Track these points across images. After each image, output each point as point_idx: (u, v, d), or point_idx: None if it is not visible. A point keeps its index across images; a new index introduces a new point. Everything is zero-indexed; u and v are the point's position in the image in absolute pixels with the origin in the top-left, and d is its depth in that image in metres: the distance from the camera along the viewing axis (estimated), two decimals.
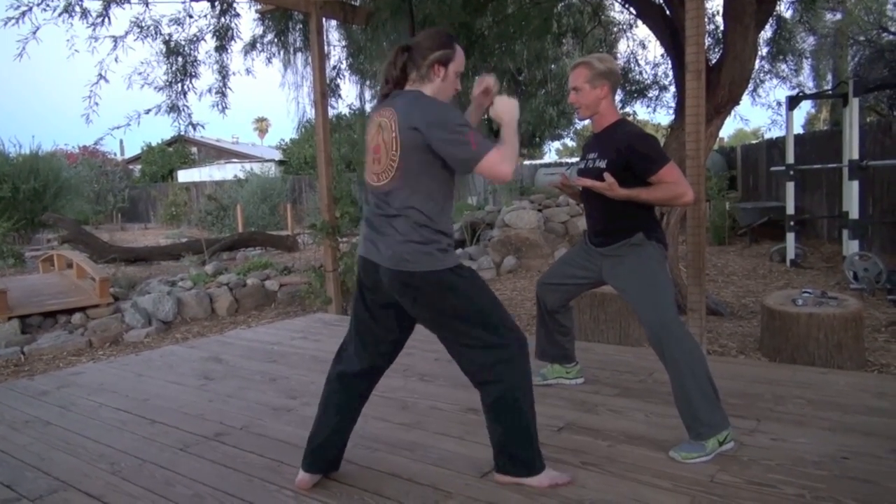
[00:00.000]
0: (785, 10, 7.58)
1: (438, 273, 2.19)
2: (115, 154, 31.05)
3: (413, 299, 2.24)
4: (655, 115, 12.77)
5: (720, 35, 6.73)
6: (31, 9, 5.14)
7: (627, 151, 2.72)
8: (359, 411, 2.51)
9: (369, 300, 2.37)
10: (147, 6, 5.89)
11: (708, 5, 7.24)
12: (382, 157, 2.21)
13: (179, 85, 6.31)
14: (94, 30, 5.49)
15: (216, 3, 6.37)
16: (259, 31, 7.26)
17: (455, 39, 2.32)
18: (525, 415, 2.28)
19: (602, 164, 2.77)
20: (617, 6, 8.61)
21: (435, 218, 2.21)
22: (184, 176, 27.12)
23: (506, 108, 2.24)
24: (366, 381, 2.51)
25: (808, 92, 10.40)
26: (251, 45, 7.25)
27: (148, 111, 6.14)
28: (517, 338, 2.27)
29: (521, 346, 2.27)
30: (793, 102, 8.41)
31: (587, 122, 2.99)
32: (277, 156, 28.23)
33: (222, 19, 6.47)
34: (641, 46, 9.67)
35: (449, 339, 2.30)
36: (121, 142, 36.36)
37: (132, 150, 33.52)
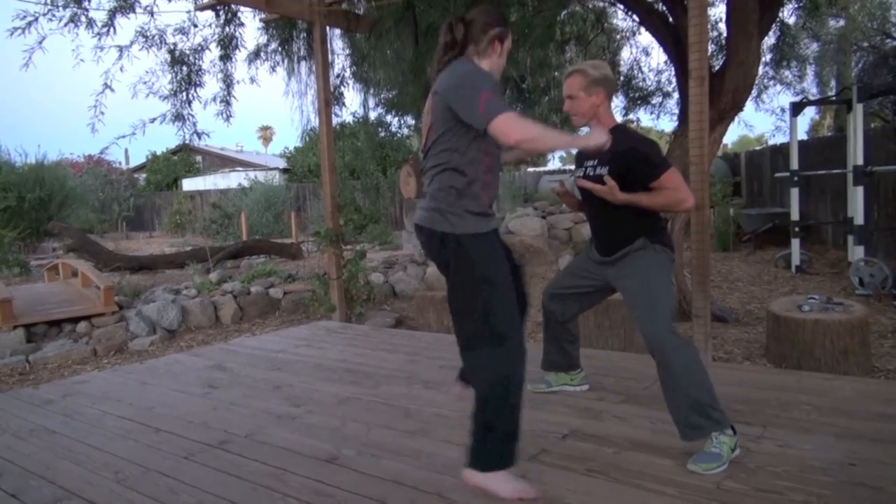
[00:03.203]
0: (788, 16, 7.58)
1: (457, 236, 2.24)
2: (120, 163, 31.17)
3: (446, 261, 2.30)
4: (659, 121, 12.81)
5: (723, 42, 6.72)
6: (37, 19, 5.18)
7: (629, 156, 2.70)
8: None
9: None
10: (152, 16, 5.93)
11: (711, 12, 7.25)
12: (425, 122, 2.33)
13: (184, 94, 6.34)
14: (99, 39, 5.53)
15: (220, 13, 6.40)
16: (263, 39, 7.30)
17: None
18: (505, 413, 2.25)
19: (603, 170, 2.76)
20: (620, 14, 8.61)
21: (460, 187, 2.25)
22: (188, 184, 27.18)
23: (592, 136, 2.28)
24: None
25: (811, 98, 10.37)
26: (255, 54, 7.28)
27: (153, 120, 6.16)
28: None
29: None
30: (797, 108, 8.40)
31: (586, 129, 2.99)
32: (281, 164, 28.24)
33: (227, 28, 6.51)
34: (645, 53, 9.67)
35: (454, 308, 2.31)
36: (126, 151, 36.36)
37: (137, 159, 33.64)
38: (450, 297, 2.32)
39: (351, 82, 8.01)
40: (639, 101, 8.92)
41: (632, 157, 2.70)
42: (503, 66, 2.38)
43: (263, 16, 6.36)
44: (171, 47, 6.22)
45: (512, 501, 2.26)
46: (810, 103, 9.31)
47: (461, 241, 2.24)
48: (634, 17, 7.20)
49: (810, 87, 11.74)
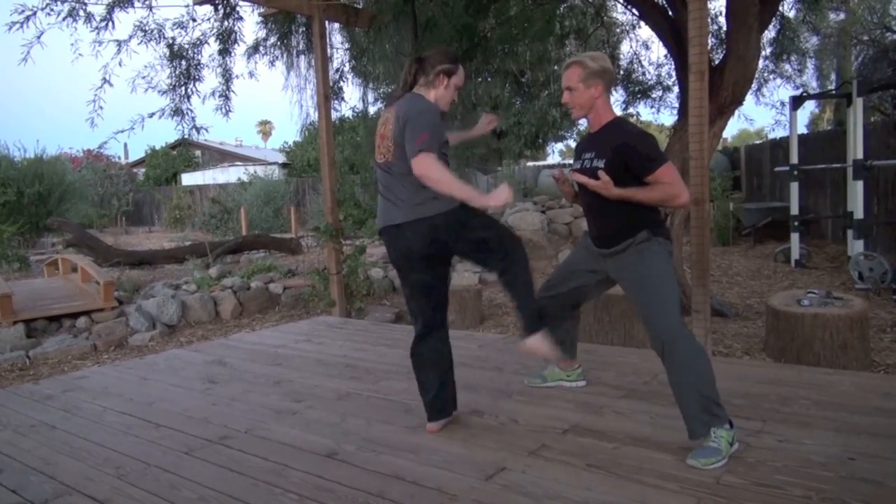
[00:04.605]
0: (788, 9, 7.57)
1: (445, 213, 2.68)
2: (120, 157, 31.12)
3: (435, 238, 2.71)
4: (659, 115, 12.75)
5: (723, 35, 6.72)
6: (35, 13, 5.16)
7: (625, 150, 2.68)
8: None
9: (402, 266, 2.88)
10: (150, 10, 5.91)
11: (711, 6, 7.23)
12: (387, 142, 2.77)
13: (183, 88, 6.33)
14: (98, 34, 5.51)
15: (219, 7, 6.38)
16: (262, 34, 7.28)
17: (459, 61, 2.89)
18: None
19: (599, 163, 2.73)
20: (619, 7, 8.60)
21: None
22: (188, 179, 27.13)
23: (494, 194, 2.56)
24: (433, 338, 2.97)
25: (811, 92, 10.35)
26: (254, 49, 7.26)
27: (152, 115, 6.14)
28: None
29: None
30: (796, 102, 8.39)
31: (585, 121, 2.98)
32: (281, 159, 28.22)
33: (225, 23, 6.49)
34: (644, 47, 9.66)
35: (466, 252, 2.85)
36: (125, 145, 36.31)
37: (136, 154, 33.57)
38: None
39: (350, 77, 8.00)
40: (639, 95, 8.90)
41: (628, 150, 2.68)
42: (452, 98, 2.86)
43: (262, 10, 6.34)
44: (170, 42, 6.20)
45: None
46: (810, 97, 9.29)
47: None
48: (634, 11, 7.19)
49: (810, 81, 11.72)
